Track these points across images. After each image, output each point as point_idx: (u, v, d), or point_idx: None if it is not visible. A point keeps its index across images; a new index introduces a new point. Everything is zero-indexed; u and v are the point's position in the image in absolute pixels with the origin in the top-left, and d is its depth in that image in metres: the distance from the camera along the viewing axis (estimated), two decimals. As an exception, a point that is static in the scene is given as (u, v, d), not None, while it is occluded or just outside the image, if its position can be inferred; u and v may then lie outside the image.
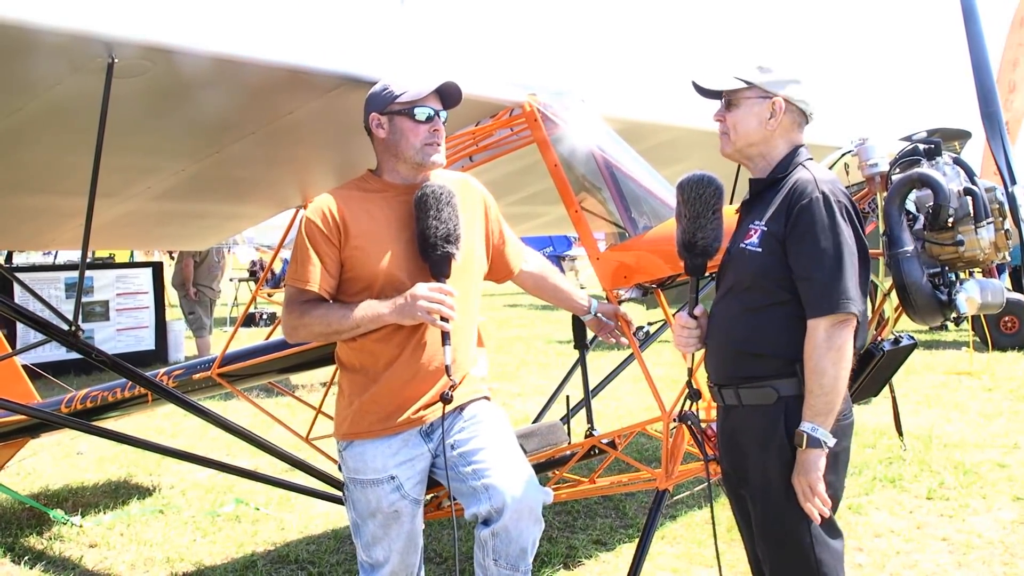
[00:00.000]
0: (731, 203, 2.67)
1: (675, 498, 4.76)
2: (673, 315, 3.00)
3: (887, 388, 5.37)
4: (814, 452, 2.31)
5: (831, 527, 2.43)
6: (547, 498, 2.70)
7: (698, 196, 2.53)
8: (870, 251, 2.47)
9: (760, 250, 2.41)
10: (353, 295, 2.67)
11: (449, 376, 2.60)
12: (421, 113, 2.67)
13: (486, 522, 2.60)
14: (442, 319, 2.55)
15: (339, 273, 2.67)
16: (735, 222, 2.60)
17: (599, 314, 3.32)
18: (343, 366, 2.81)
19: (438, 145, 2.72)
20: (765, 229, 2.42)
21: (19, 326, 9.08)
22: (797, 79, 2.49)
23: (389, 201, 2.72)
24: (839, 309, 2.29)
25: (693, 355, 2.71)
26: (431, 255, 2.60)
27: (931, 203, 2.85)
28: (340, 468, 2.88)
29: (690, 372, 2.74)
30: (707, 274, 2.66)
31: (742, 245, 2.47)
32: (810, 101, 2.52)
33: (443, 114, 2.74)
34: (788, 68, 2.49)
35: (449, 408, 2.65)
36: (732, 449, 2.58)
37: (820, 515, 2.34)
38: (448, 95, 2.74)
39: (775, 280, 2.40)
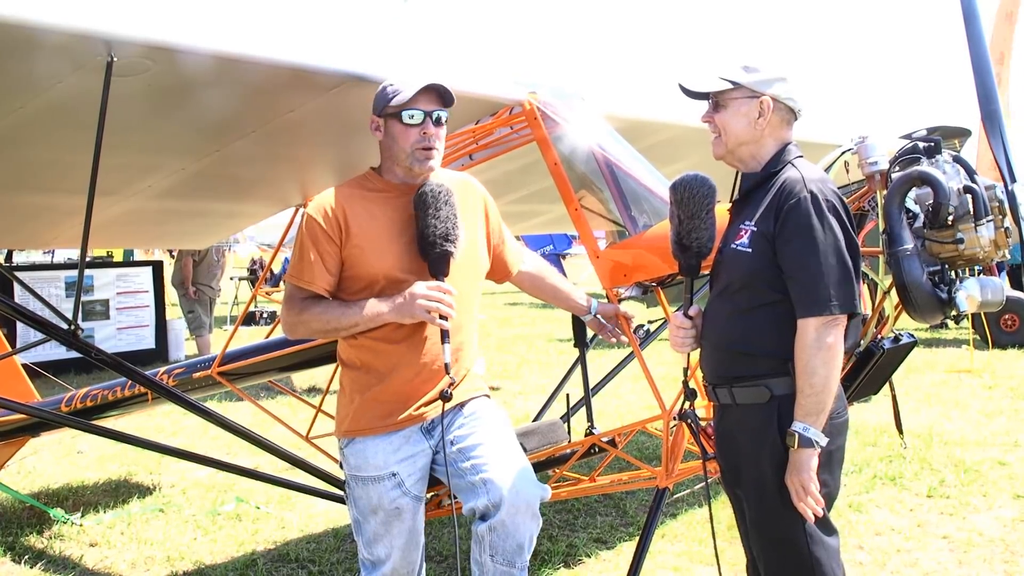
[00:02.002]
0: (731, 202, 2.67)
1: (675, 496, 4.76)
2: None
3: (887, 386, 5.37)
4: (806, 452, 2.31)
5: (826, 525, 2.42)
6: (545, 495, 2.70)
7: (691, 196, 2.53)
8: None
9: (750, 251, 2.40)
10: (353, 294, 2.67)
11: (448, 374, 2.60)
12: (408, 116, 2.63)
13: (483, 517, 2.60)
14: (441, 317, 2.56)
15: (339, 271, 2.66)
16: (727, 221, 2.60)
17: (598, 315, 3.31)
18: (344, 364, 2.80)
19: (431, 150, 2.66)
20: (755, 229, 2.41)
21: (19, 325, 9.07)
22: (783, 77, 2.48)
23: (390, 201, 2.71)
24: (829, 310, 2.28)
25: (689, 355, 2.71)
26: (430, 253, 2.60)
27: (931, 201, 2.85)
28: (341, 466, 2.88)
29: (686, 371, 2.74)
30: (702, 273, 2.66)
31: (733, 246, 2.46)
32: (797, 98, 2.50)
33: (442, 114, 2.69)
34: (773, 66, 2.48)
35: (449, 405, 2.66)
36: (727, 448, 2.58)
37: (814, 514, 2.34)
38: (444, 94, 2.70)
39: (766, 280, 2.39)
